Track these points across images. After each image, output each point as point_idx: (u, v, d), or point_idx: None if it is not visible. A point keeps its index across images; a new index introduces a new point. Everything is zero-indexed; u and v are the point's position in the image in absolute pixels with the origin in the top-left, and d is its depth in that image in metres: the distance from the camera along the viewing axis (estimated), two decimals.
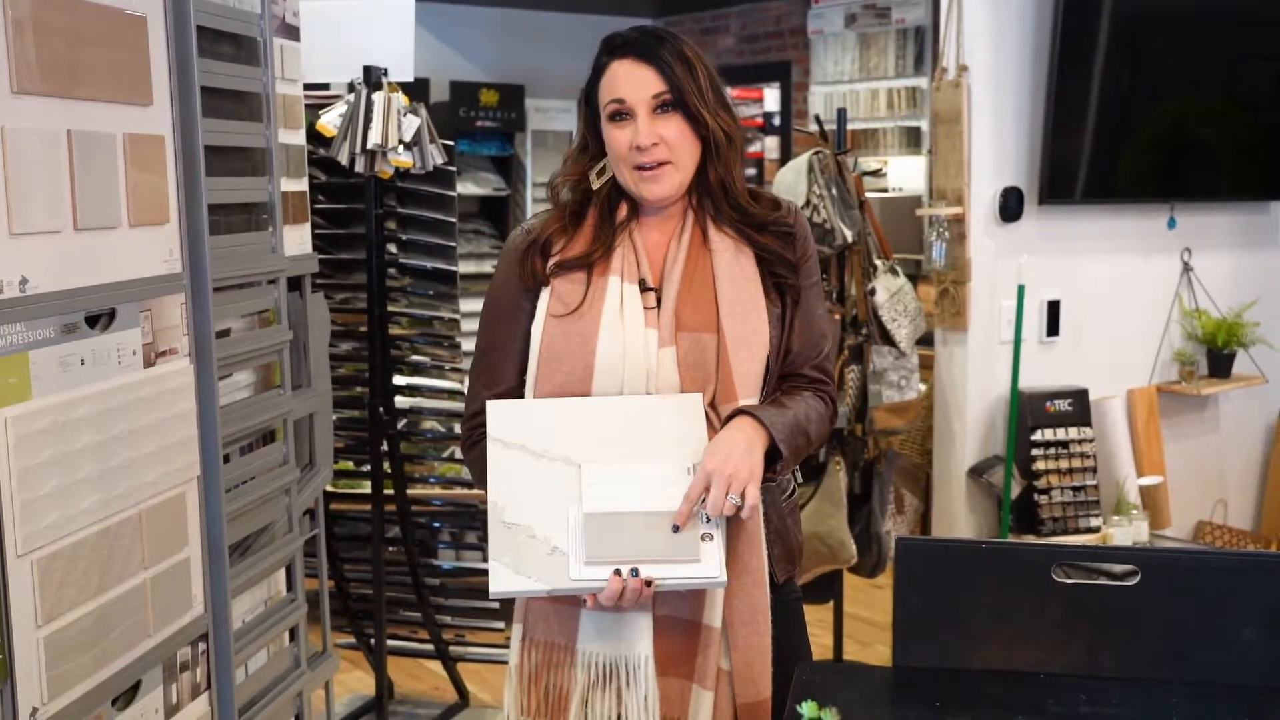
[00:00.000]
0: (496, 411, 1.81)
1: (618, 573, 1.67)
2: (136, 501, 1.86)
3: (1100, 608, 1.40)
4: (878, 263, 3.86)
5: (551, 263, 1.89)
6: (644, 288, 1.87)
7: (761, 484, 1.79)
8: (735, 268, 1.89)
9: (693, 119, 1.84)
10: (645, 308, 1.85)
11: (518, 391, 1.90)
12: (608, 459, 1.76)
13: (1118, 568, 1.44)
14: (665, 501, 1.72)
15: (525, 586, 1.69)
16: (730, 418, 1.82)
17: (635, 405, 1.81)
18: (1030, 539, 4.14)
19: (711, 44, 8.16)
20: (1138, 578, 1.39)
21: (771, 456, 1.82)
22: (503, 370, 1.92)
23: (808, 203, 3.72)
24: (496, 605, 3.78)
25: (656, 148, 1.83)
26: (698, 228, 1.91)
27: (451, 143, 3.64)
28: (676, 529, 1.71)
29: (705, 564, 1.70)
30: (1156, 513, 4.51)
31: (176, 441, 1.97)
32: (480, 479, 1.80)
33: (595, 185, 1.91)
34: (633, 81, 1.84)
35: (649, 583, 1.67)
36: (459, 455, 4.06)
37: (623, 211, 1.91)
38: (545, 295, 1.88)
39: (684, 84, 1.83)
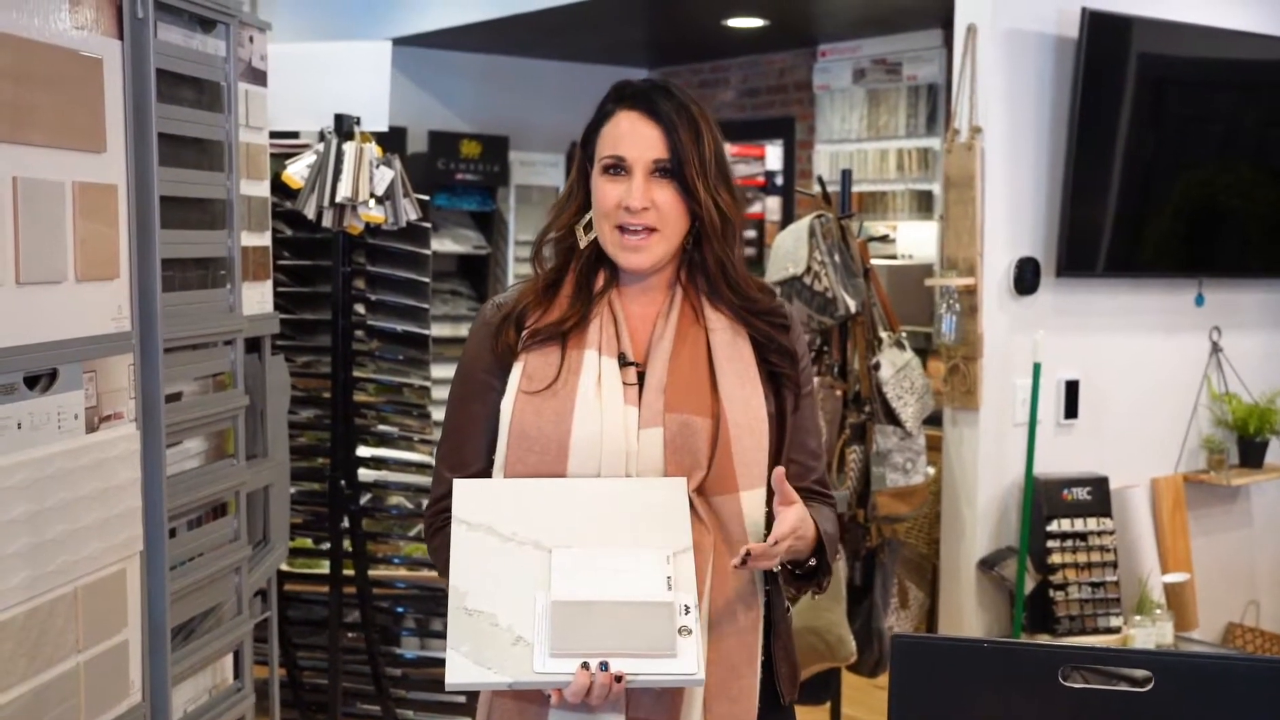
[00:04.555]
0: (464, 491, 1.81)
1: (585, 666, 1.66)
2: (72, 578, 1.86)
3: (1111, 715, 1.40)
4: (883, 335, 3.88)
5: (525, 333, 1.90)
6: (624, 362, 1.87)
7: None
8: (733, 350, 1.91)
9: (688, 192, 1.86)
10: (625, 384, 1.86)
11: (486, 475, 1.90)
12: (581, 544, 1.76)
13: (1135, 672, 1.44)
14: (641, 591, 1.72)
15: (485, 678, 1.69)
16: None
17: (614, 488, 1.82)
18: (1045, 639, 4.12)
19: (710, 97, 8.25)
20: (1151, 684, 1.39)
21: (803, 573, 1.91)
22: (470, 452, 1.93)
23: (808, 269, 3.76)
24: (463, 699, 3.75)
25: (646, 212, 1.85)
26: (688, 304, 1.93)
27: (427, 197, 3.67)
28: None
29: (682, 660, 1.69)
30: (1182, 613, 4.50)
31: (119, 514, 1.97)
32: (444, 567, 1.79)
33: (582, 242, 1.92)
34: (636, 138, 1.86)
35: (619, 678, 1.67)
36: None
37: (601, 280, 1.93)
38: (517, 370, 1.88)
39: (686, 153, 1.85)
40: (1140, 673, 1.42)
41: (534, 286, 1.94)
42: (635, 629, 1.69)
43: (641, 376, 1.88)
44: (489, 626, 1.70)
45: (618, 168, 1.86)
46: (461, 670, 1.68)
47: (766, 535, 1.89)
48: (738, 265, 1.92)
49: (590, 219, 1.92)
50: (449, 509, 1.81)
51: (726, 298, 1.92)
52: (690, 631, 1.71)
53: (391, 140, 6.23)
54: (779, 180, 8.58)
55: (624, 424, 1.84)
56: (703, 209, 1.86)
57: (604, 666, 1.66)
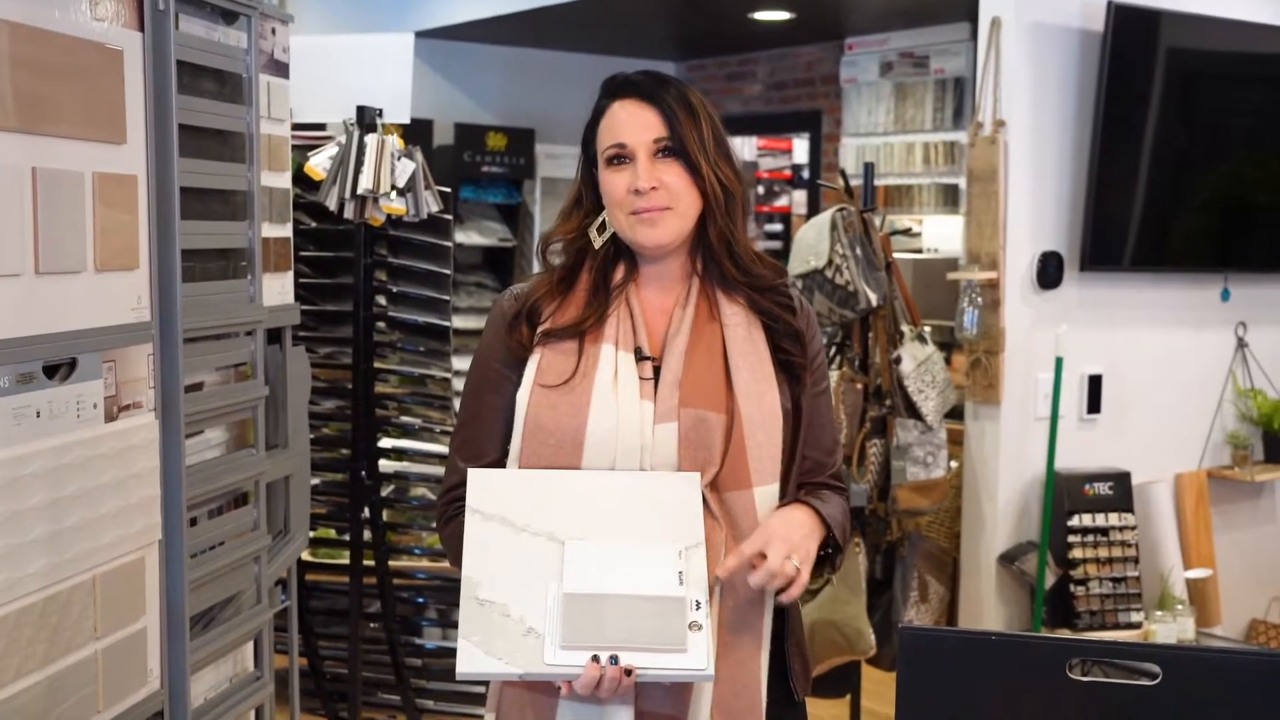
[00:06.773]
0: (478, 481, 1.82)
1: (596, 659, 1.67)
2: (90, 566, 1.87)
3: (1118, 709, 1.40)
4: (904, 329, 3.88)
5: (540, 330, 1.90)
6: (640, 356, 1.88)
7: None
8: (748, 344, 1.92)
9: (692, 168, 1.87)
10: (641, 378, 1.87)
11: (500, 465, 1.91)
12: (594, 536, 1.77)
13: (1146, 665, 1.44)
14: (653, 585, 1.72)
15: (495, 669, 1.70)
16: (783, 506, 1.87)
17: (628, 481, 1.82)
18: (1064, 633, 4.11)
19: (738, 90, 8.24)
20: (1159, 678, 1.39)
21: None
22: (485, 442, 1.93)
23: (830, 262, 3.75)
24: (482, 689, 3.75)
25: (656, 192, 1.86)
26: (704, 297, 1.93)
27: (448, 189, 3.68)
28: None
29: (692, 655, 1.70)
30: (1205, 609, 4.49)
31: (137, 502, 1.99)
32: (455, 556, 1.81)
33: (596, 244, 1.93)
34: (634, 123, 1.88)
35: (629, 671, 1.68)
36: None
37: (619, 273, 1.93)
38: (533, 363, 1.89)
39: (685, 131, 1.87)
40: (1149, 666, 1.42)
41: (549, 279, 1.95)
42: (646, 623, 1.70)
43: (657, 370, 1.88)
44: (500, 617, 1.71)
45: (621, 156, 1.88)
46: (472, 660, 1.69)
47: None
48: (741, 240, 1.93)
49: (603, 220, 1.93)
50: (463, 497, 1.82)
51: (731, 274, 1.92)
52: (701, 627, 1.71)
53: (417, 132, 6.25)
54: (805, 174, 8.55)
55: (639, 418, 1.84)
56: (706, 183, 1.87)
57: (614, 660, 1.67)
